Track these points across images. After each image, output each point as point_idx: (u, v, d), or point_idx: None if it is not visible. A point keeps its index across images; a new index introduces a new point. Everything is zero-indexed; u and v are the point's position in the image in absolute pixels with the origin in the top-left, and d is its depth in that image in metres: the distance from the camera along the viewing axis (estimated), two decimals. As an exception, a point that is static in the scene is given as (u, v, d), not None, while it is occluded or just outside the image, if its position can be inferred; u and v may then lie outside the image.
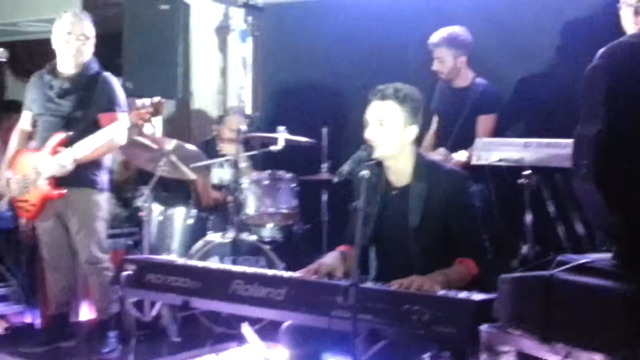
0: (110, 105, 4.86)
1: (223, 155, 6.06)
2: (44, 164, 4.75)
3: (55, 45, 4.91)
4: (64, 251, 5.00)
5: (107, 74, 4.95)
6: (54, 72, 4.93)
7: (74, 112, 4.79)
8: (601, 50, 2.28)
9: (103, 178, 4.93)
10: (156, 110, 4.72)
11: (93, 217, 4.88)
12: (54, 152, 4.74)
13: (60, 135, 4.77)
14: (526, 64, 5.70)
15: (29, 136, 5.10)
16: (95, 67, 4.96)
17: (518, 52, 5.71)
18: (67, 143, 4.76)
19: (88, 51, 4.93)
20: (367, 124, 3.58)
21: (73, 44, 4.85)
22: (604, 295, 2.06)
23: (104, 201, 4.95)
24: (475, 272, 3.42)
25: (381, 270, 3.70)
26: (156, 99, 4.74)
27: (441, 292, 3.13)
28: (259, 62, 7.29)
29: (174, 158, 5.40)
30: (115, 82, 4.95)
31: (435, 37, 5.44)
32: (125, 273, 3.81)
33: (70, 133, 4.76)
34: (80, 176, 4.82)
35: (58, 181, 4.77)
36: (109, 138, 4.76)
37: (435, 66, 5.46)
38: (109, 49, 6.89)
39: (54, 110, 4.85)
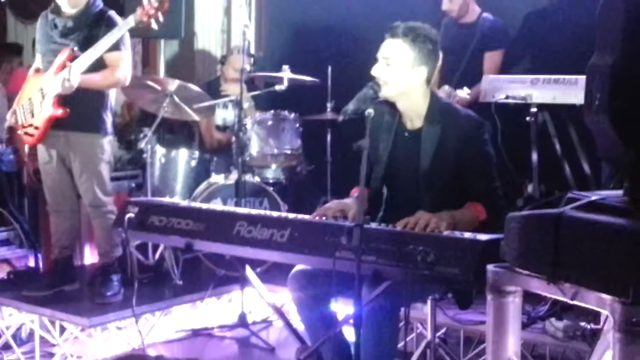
0: (115, 44, 4.75)
1: (227, 96, 5.99)
2: (49, 84, 4.66)
3: None
4: (67, 194, 4.96)
5: (112, 12, 4.84)
6: (57, 11, 4.84)
7: (78, 51, 4.69)
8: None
9: (106, 121, 4.85)
10: (161, 5, 4.60)
11: (96, 160, 4.82)
12: (60, 69, 4.66)
13: (66, 52, 4.67)
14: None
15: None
16: (99, 4, 4.86)
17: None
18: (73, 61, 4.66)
19: None
20: (376, 61, 3.50)
21: None
22: (615, 232, 2.00)
23: (107, 144, 4.89)
24: (483, 217, 3.36)
25: (389, 211, 3.65)
26: None
27: (446, 233, 3.08)
28: (263, 1, 7.17)
29: (177, 99, 5.34)
30: (120, 21, 4.83)
31: None
32: (128, 215, 3.78)
33: (76, 48, 4.67)
34: (83, 119, 4.75)
35: (63, 102, 4.68)
36: (113, 73, 4.70)
37: (445, 5, 5.37)
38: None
39: (57, 51, 4.75)
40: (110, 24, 4.74)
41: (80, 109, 4.70)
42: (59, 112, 4.65)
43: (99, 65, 4.69)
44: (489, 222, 3.35)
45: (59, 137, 4.78)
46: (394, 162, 3.60)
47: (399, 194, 3.65)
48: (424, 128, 3.51)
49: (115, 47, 4.71)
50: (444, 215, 3.22)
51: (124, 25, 4.64)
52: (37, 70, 4.94)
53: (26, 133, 4.82)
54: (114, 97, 4.97)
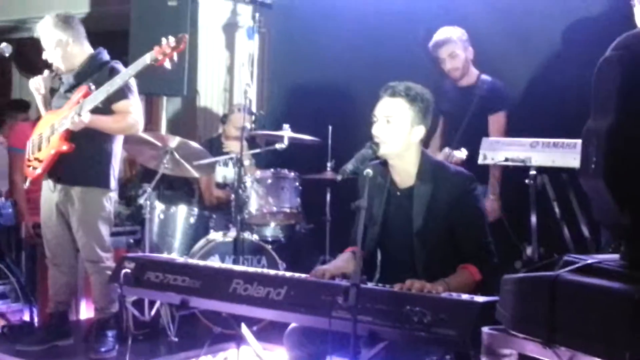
0: (122, 93, 4.76)
1: (228, 154, 6.01)
2: (61, 119, 4.69)
3: None
4: (67, 248, 4.95)
5: (116, 63, 4.88)
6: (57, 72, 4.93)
7: (95, 89, 4.70)
8: (615, 42, 2.20)
9: (108, 176, 4.86)
10: (177, 44, 4.60)
11: (95, 215, 4.82)
12: (74, 105, 4.68)
13: (83, 89, 4.70)
14: (534, 62, 5.63)
15: None
16: (103, 56, 4.91)
17: (526, 50, 5.65)
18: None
19: (75, 50, 4.87)
20: (375, 120, 3.53)
21: (49, 54, 4.86)
22: (612, 297, 1.99)
23: (106, 200, 4.88)
24: (478, 278, 3.37)
25: (385, 272, 3.64)
26: (180, 34, 4.62)
27: (444, 294, 3.07)
28: (265, 60, 7.25)
29: (177, 155, 5.36)
30: (123, 68, 4.85)
31: (440, 36, 5.38)
32: (124, 271, 3.76)
33: (92, 86, 4.69)
34: (84, 173, 4.77)
35: (69, 140, 4.69)
36: (125, 118, 4.75)
37: (448, 65, 5.38)
38: (116, 46, 6.86)
39: (64, 103, 4.81)
40: (116, 73, 4.74)
41: (82, 163, 4.72)
42: (65, 147, 4.66)
43: (106, 113, 4.72)
44: (482, 281, 3.35)
45: (60, 190, 4.79)
46: (387, 222, 3.61)
47: (393, 255, 3.64)
48: (416, 186, 3.54)
49: (123, 96, 4.74)
50: (439, 284, 3.20)
51: (140, 62, 4.59)
52: None
53: (30, 166, 4.85)
54: (119, 153, 4.99)
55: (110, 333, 4.83)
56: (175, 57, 4.62)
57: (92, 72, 4.84)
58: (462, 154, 4.97)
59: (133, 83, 4.85)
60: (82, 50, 4.89)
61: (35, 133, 4.91)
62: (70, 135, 4.67)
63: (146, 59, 4.60)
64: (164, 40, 4.57)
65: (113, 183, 4.92)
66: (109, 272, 4.71)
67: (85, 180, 4.79)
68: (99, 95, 4.60)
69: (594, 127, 2.16)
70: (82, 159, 4.73)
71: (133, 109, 4.79)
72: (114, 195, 4.98)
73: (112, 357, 4.73)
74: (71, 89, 4.82)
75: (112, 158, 4.90)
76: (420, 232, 3.49)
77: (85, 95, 4.67)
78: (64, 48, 4.83)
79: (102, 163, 4.85)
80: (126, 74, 4.61)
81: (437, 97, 5.41)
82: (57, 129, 4.70)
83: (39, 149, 4.82)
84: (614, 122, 2.05)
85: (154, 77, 6.41)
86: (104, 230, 4.88)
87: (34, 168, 4.82)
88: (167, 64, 4.63)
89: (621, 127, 2.04)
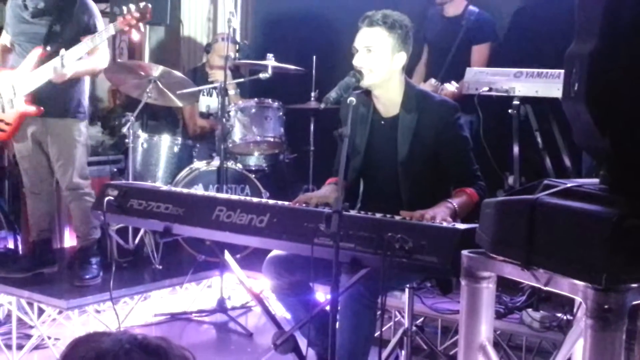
0: (90, 27, 4.75)
1: (211, 83, 5.97)
2: (22, 81, 4.65)
3: None
4: (44, 177, 4.94)
5: None
6: None
7: (51, 33, 4.66)
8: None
9: (82, 105, 4.85)
10: (143, 15, 4.61)
11: (73, 144, 4.81)
12: (34, 67, 4.64)
13: (39, 50, 4.65)
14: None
15: (9, 53, 4.96)
16: None
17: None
18: (46, 59, 4.64)
19: None
20: (356, 51, 3.51)
21: None
22: (590, 219, 2.00)
23: (83, 127, 4.90)
24: (476, 199, 3.43)
25: (367, 201, 3.66)
26: (142, 3, 4.62)
27: (425, 221, 3.09)
28: (249, -11, 7.16)
29: (160, 84, 5.32)
30: (93, 4, 4.84)
31: None
32: (107, 198, 3.76)
33: (49, 48, 4.64)
34: (59, 104, 4.74)
35: (36, 101, 4.67)
36: (92, 60, 4.71)
37: None
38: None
39: (30, 32, 4.73)
40: (83, 10, 4.75)
41: (56, 95, 4.69)
42: (33, 109, 4.66)
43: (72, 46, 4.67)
44: (479, 204, 3.39)
45: (35, 122, 4.76)
46: (371, 151, 3.62)
47: (376, 184, 3.66)
48: (400, 115, 3.54)
49: (89, 29, 4.74)
50: (444, 208, 3.27)
51: (104, 33, 4.63)
52: (5, 49, 4.92)
53: None
54: (88, 82, 4.97)
55: (93, 260, 4.85)
56: (142, 28, 4.63)
57: (59, 2, 4.74)
58: (452, 87, 4.96)
59: (100, 20, 4.84)
60: None
61: None
62: (35, 99, 4.67)
63: (110, 29, 4.62)
64: (126, 9, 4.57)
65: (87, 111, 4.95)
66: (89, 199, 4.76)
67: (62, 111, 4.77)
68: (81, 49, 4.56)
69: (577, 50, 2.16)
70: (56, 91, 4.69)
71: (100, 48, 4.76)
72: (87, 122, 5.02)
73: (96, 284, 4.75)
74: (38, 14, 4.73)
75: (84, 86, 4.89)
76: (405, 161, 3.51)
77: (40, 57, 4.64)
78: None
79: (76, 93, 4.83)
80: (93, 42, 4.59)
81: (421, 26, 5.44)
82: (19, 91, 4.67)
83: (2, 110, 4.74)
84: (597, 46, 2.04)
85: (136, 4, 6.34)
86: (83, 157, 4.90)
87: (2, 130, 4.77)
88: (135, 35, 4.67)
89: (604, 51, 2.03)
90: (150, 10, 4.64)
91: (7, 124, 4.73)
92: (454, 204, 3.33)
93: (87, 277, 4.75)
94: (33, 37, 4.73)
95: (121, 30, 4.64)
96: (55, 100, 4.71)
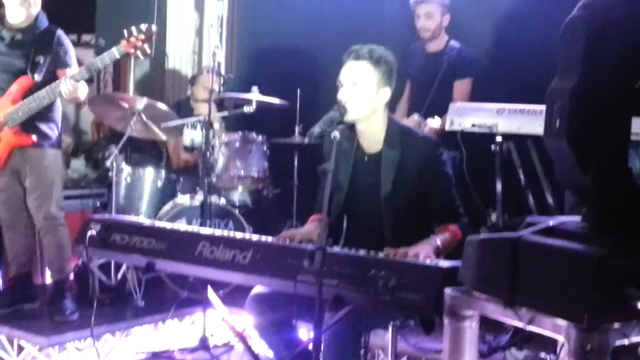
0: (66, 61, 4.79)
1: (198, 116, 5.98)
2: (7, 112, 4.64)
3: None
4: (21, 209, 4.90)
5: (61, 32, 4.87)
6: (1, 22, 4.81)
7: (35, 64, 4.67)
8: (582, 1, 2.19)
9: (56, 134, 4.86)
10: (148, 37, 4.63)
11: (51, 174, 4.81)
12: (20, 97, 4.63)
13: (26, 80, 4.66)
14: (502, 30, 5.64)
15: None
16: (45, 21, 4.85)
17: (495, 16, 5.66)
18: (33, 88, 4.66)
19: (38, 3, 4.81)
20: (341, 85, 3.51)
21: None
22: (572, 258, 2.00)
23: (59, 158, 4.94)
24: (460, 236, 3.41)
25: (352, 237, 3.64)
26: (145, 25, 4.65)
27: (408, 258, 3.08)
28: (234, 22, 7.19)
29: (144, 117, 5.30)
30: (68, 40, 4.90)
31: None
32: (89, 233, 3.73)
33: (36, 78, 4.66)
34: (40, 135, 4.74)
35: (23, 130, 4.68)
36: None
37: (421, 23, 5.39)
38: (83, 5, 6.77)
39: (6, 63, 4.73)
40: (60, 44, 4.78)
41: (34, 124, 4.70)
42: (25, 139, 4.68)
43: (50, 79, 4.70)
44: (461, 241, 3.39)
45: (14, 152, 4.74)
46: (354, 188, 3.62)
47: (360, 220, 3.65)
48: (384, 151, 3.54)
49: (65, 64, 4.78)
50: (428, 245, 3.25)
51: (107, 56, 4.63)
52: None
53: None
54: (60, 111, 4.95)
55: (68, 294, 4.85)
56: (147, 49, 4.65)
57: (36, 35, 4.77)
58: (435, 122, 4.97)
59: (72, 50, 4.87)
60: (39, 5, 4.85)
61: None
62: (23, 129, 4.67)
63: (114, 53, 4.63)
64: (132, 31, 4.58)
65: (61, 140, 4.97)
66: (63, 230, 4.77)
67: (40, 140, 4.76)
68: (85, 71, 4.60)
69: (558, 87, 2.17)
70: (34, 120, 4.69)
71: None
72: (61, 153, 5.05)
73: (74, 318, 4.73)
74: (15, 46, 4.75)
75: (59, 117, 4.90)
76: (389, 197, 3.50)
77: (27, 87, 4.65)
78: None
79: (54, 123, 4.84)
80: (96, 64, 4.63)
81: (404, 62, 5.47)
82: (6, 122, 4.65)
83: None
84: (579, 83, 2.05)
85: (122, 37, 6.35)
86: (59, 188, 4.90)
87: None
88: (140, 56, 4.69)
89: (585, 88, 2.04)
90: (155, 31, 4.65)
91: None
92: (438, 241, 3.32)
93: (67, 312, 4.72)
94: (8, 68, 4.74)
95: (126, 53, 4.64)
96: (33, 129, 4.70)
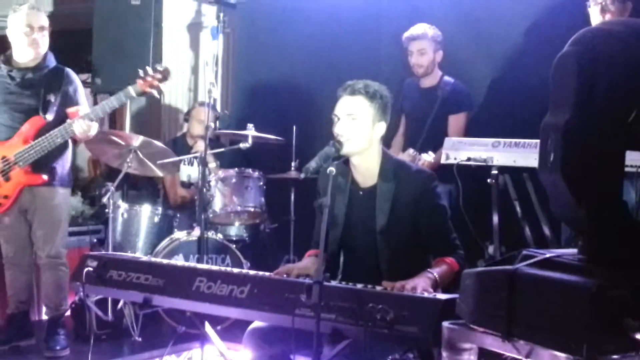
0: (75, 100, 4.88)
1: (195, 152, 6.01)
2: (18, 151, 4.67)
3: (12, 37, 4.84)
4: (26, 246, 4.93)
5: (69, 70, 4.94)
6: (9, 62, 4.85)
7: (46, 103, 4.73)
8: (572, 38, 2.23)
9: (67, 173, 4.93)
10: (164, 76, 4.73)
11: (60, 214, 4.87)
12: (32, 137, 4.67)
13: (38, 120, 4.71)
14: (496, 64, 5.68)
15: None
16: (53, 59, 4.92)
17: (487, 52, 5.71)
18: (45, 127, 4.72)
19: (46, 43, 4.89)
20: (337, 119, 3.53)
21: (34, 35, 4.79)
22: (569, 290, 2.01)
23: (68, 196, 4.99)
24: (457, 268, 3.41)
25: (349, 272, 3.64)
26: (161, 65, 4.78)
27: (406, 291, 3.09)
28: (230, 60, 7.24)
29: (141, 155, 5.32)
30: (77, 77, 4.99)
31: (417, 30, 5.42)
32: (86, 269, 3.73)
33: (48, 117, 4.71)
34: (50, 173, 4.80)
35: (34, 169, 4.72)
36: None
37: (414, 59, 5.43)
38: (79, 44, 6.82)
39: (15, 102, 4.77)
40: (70, 83, 4.87)
41: (44, 163, 4.73)
42: (41, 179, 4.74)
43: (60, 118, 4.75)
44: (459, 273, 3.39)
45: (24, 190, 4.75)
46: (350, 222, 3.62)
47: (356, 254, 3.65)
48: (378, 185, 3.55)
49: (76, 102, 4.86)
50: (426, 278, 3.25)
51: (122, 95, 4.71)
52: None
53: None
54: (70, 151, 5.01)
55: (61, 331, 4.87)
56: (162, 88, 4.79)
57: (46, 74, 4.85)
58: (430, 157, 5.00)
59: (81, 89, 4.97)
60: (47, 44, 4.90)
61: None
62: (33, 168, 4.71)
63: (129, 92, 4.70)
64: (147, 70, 4.67)
65: (71, 179, 5.02)
66: (64, 269, 4.79)
67: (51, 180, 4.80)
68: (101, 109, 4.71)
69: (551, 122, 2.19)
70: (45, 159, 4.73)
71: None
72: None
73: (65, 355, 4.75)
74: (26, 85, 4.80)
75: (69, 155, 4.97)
76: (384, 231, 3.51)
77: (39, 127, 4.70)
78: (46, 35, 4.86)
79: (64, 162, 4.90)
80: (112, 102, 4.72)
81: (399, 97, 5.52)
82: (17, 162, 4.69)
83: None
84: (571, 117, 2.07)
85: (119, 76, 6.40)
86: (66, 226, 4.94)
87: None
88: (155, 94, 4.83)
89: (578, 122, 2.07)
90: (169, 72, 4.76)
91: (4, 197, 4.73)
92: (435, 274, 3.32)
93: (58, 348, 4.74)
94: (18, 107, 4.78)
95: (142, 92, 4.73)
96: (44, 168, 4.73)
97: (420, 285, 3.15)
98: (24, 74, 4.82)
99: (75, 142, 5.02)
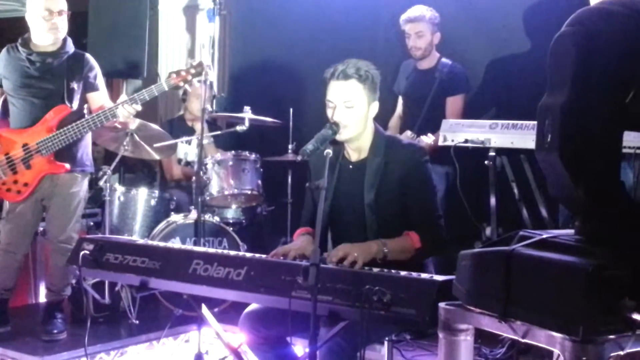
0: (95, 85, 4.92)
1: (191, 128, 5.99)
2: (41, 139, 4.66)
3: (31, 21, 4.80)
4: (28, 235, 4.92)
5: (89, 55, 4.97)
6: (28, 45, 4.82)
7: (70, 90, 4.72)
8: (570, 18, 2.21)
9: (88, 159, 4.97)
10: (198, 72, 4.76)
11: (77, 199, 4.89)
12: (55, 127, 4.68)
13: (63, 109, 4.72)
14: (493, 46, 5.67)
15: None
16: (71, 45, 4.92)
17: (487, 33, 5.68)
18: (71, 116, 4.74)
19: (65, 27, 4.86)
20: (332, 105, 3.51)
21: (53, 19, 4.76)
22: (566, 270, 2.01)
23: (87, 182, 5.01)
24: (417, 246, 3.40)
25: (337, 246, 3.63)
26: (197, 60, 4.84)
27: (403, 273, 3.08)
28: (226, 42, 7.21)
29: (137, 137, 5.31)
30: (96, 62, 5.00)
31: (414, 12, 5.41)
32: (82, 252, 3.72)
33: (74, 105, 4.75)
34: (74, 158, 4.83)
35: (56, 157, 4.73)
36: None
37: (412, 42, 5.42)
38: (75, 27, 6.78)
39: (35, 87, 4.75)
40: (91, 69, 4.89)
41: (70, 149, 4.77)
42: (64, 169, 4.76)
43: (82, 105, 4.81)
44: (423, 251, 3.39)
45: (44, 178, 4.75)
46: (338, 196, 3.62)
47: (345, 229, 3.64)
48: (368, 159, 3.55)
49: (95, 88, 4.91)
50: (371, 245, 3.28)
51: (155, 89, 4.73)
52: None
53: (10, 189, 4.75)
54: (90, 138, 5.04)
55: (59, 315, 4.87)
56: (195, 83, 4.87)
57: (67, 59, 4.84)
58: (429, 139, 5.00)
59: (100, 73, 4.99)
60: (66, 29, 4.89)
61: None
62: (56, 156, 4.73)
63: (162, 86, 4.75)
64: (184, 66, 4.79)
65: (92, 164, 5.06)
66: None
67: (74, 165, 4.84)
68: (140, 97, 4.72)
69: (549, 102, 2.18)
70: (69, 147, 4.76)
71: (105, 99, 4.96)
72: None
73: (62, 338, 4.75)
74: (47, 70, 4.78)
75: (90, 142, 5.02)
76: (372, 203, 3.50)
77: (65, 115, 4.70)
78: (65, 19, 4.85)
79: (85, 147, 4.94)
80: (143, 95, 4.74)
81: (395, 79, 5.51)
82: (39, 150, 4.68)
83: (14, 171, 4.72)
84: (569, 97, 2.06)
85: (115, 59, 6.38)
86: (80, 212, 4.97)
87: (17, 192, 4.75)
88: (188, 88, 4.96)
89: (575, 102, 2.06)
90: (203, 66, 4.79)
91: (24, 184, 4.70)
92: (385, 245, 3.31)
93: (55, 331, 4.75)
94: (38, 93, 4.76)
95: (176, 86, 4.79)
96: (67, 156, 4.76)
97: (360, 258, 3.16)
98: (44, 59, 4.78)
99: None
